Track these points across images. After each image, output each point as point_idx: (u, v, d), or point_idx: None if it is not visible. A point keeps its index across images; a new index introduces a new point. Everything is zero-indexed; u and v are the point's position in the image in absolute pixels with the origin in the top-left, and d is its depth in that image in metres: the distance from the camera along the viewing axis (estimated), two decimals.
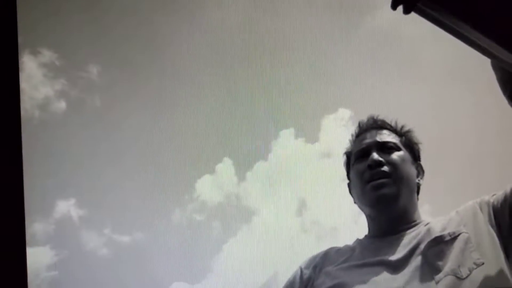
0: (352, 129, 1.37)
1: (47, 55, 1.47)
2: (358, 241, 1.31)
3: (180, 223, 1.33)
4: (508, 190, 1.19)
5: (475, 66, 1.45)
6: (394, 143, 1.29)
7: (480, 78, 1.42)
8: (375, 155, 1.25)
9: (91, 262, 1.34)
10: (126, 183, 1.40)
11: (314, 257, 1.30)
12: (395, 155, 1.27)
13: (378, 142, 1.29)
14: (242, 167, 1.36)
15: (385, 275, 1.14)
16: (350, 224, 1.26)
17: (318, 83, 1.43)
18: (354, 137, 1.37)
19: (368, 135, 1.33)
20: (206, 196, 1.38)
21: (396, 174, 1.25)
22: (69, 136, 1.47)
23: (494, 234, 1.16)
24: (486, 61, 1.23)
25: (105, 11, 1.55)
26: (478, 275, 1.01)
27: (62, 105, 1.49)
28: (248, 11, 1.44)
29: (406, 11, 0.82)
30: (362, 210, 1.31)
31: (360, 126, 1.37)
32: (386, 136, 1.31)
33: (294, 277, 1.28)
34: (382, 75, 1.50)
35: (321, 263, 1.27)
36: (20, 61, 1.27)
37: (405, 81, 1.56)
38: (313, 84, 1.41)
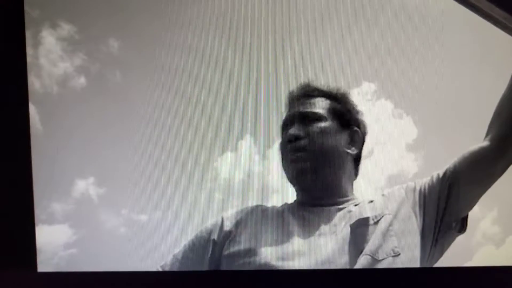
0: (378, 103, 1.34)
1: (66, 28, 1.45)
2: (287, 206, 1.29)
3: (200, 201, 1.32)
4: (440, 173, 1.15)
5: (502, 49, 1.41)
6: (316, 113, 1.25)
7: (506, 62, 1.37)
8: (292, 129, 1.23)
9: (109, 241, 1.34)
10: (146, 161, 1.39)
11: (239, 212, 1.27)
12: (315, 127, 1.23)
13: (300, 113, 1.26)
14: (263, 145, 1.34)
15: (307, 248, 1.11)
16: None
17: (342, 57, 1.39)
18: (287, 106, 1.34)
19: (295, 104, 1.30)
20: (227, 174, 1.36)
21: (313, 147, 1.22)
22: (88, 113, 1.46)
23: (415, 222, 1.13)
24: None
25: None
26: (392, 262, 1.00)
27: (81, 80, 1.47)
28: None
29: None
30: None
31: (291, 94, 1.35)
32: (310, 106, 1.26)
33: (213, 226, 1.25)
34: (408, 51, 1.46)
35: (245, 220, 1.24)
36: (38, 36, 1.25)
37: (430, 59, 1.52)
38: (337, 57, 1.38)
